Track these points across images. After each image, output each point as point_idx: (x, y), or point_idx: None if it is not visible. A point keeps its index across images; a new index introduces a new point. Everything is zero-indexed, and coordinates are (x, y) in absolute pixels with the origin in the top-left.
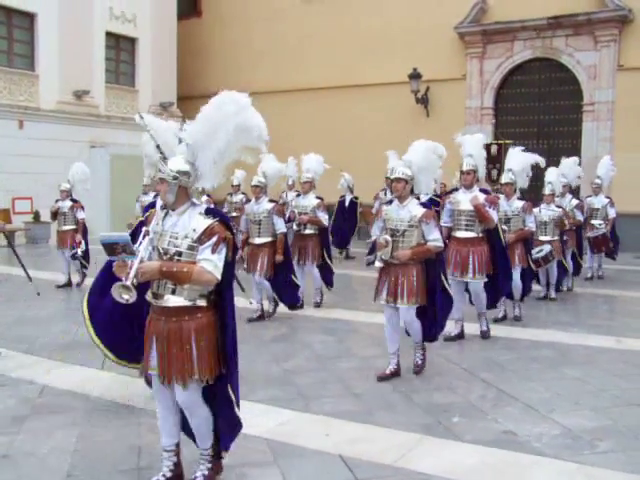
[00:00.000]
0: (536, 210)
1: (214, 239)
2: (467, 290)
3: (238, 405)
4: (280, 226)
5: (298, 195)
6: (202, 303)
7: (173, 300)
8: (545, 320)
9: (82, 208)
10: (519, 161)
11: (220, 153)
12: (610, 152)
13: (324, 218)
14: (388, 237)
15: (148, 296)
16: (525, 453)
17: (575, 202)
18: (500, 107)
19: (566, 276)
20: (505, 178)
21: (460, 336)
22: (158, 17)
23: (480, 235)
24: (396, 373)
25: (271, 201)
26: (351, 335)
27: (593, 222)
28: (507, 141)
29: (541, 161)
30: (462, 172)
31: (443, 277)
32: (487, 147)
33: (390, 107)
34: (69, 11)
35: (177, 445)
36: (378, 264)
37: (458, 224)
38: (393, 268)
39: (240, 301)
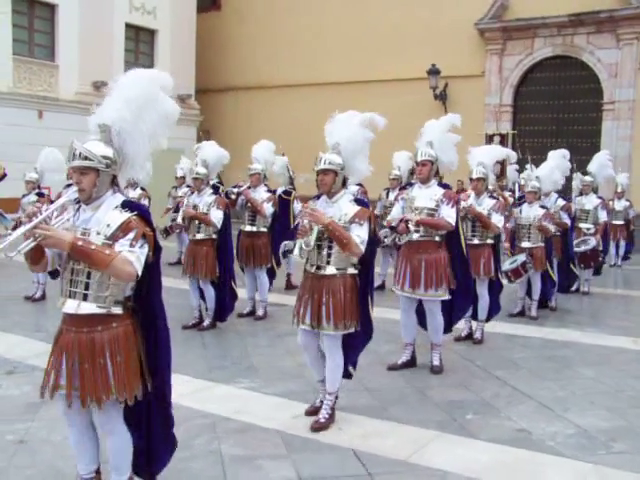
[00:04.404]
0: (517, 211)
1: (131, 234)
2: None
3: (173, 423)
4: (216, 217)
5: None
6: (117, 311)
7: (84, 307)
8: (561, 319)
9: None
10: (489, 154)
11: (146, 137)
12: (630, 151)
13: (269, 212)
14: (412, 226)
15: (58, 304)
16: (539, 452)
17: (561, 202)
18: (519, 105)
19: (553, 290)
20: (476, 173)
21: (410, 364)
22: (178, 9)
23: (437, 240)
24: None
25: (215, 193)
26: None
27: (582, 226)
28: (511, 131)
29: (512, 155)
30: (417, 163)
31: (369, 296)
32: (489, 138)
33: (408, 103)
34: (90, 2)
35: (97, 472)
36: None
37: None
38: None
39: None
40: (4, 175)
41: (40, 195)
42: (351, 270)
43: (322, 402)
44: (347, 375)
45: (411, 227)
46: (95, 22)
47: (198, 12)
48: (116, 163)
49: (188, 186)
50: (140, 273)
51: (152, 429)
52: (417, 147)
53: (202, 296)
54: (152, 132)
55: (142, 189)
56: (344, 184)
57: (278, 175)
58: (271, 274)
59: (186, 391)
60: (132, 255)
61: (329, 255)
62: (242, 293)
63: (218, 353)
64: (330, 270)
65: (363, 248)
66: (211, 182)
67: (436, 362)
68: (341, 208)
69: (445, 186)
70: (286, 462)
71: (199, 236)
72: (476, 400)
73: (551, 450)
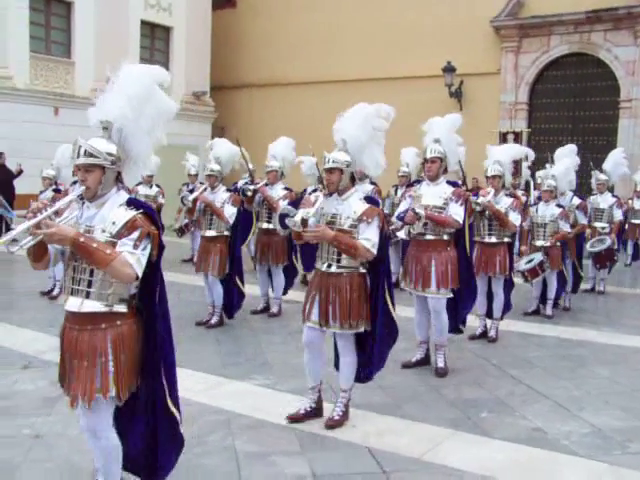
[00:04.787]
0: (532, 209)
1: (136, 233)
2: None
3: (181, 422)
4: (229, 212)
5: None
6: (122, 309)
7: (87, 305)
8: (576, 319)
9: None
10: (507, 153)
11: (146, 133)
12: None
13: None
14: (422, 212)
15: (61, 301)
16: (554, 451)
17: (577, 201)
18: (534, 102)
19: (564, 290)
20: (492, 170)
21: (424, 362)
22: (193, 6)
23: (445, 238)
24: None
25: (229, 190)
26: None
27: (597, 225)
28: (525, 129)
29: (530, 154)
30: (426, 160)
31: (388, 296)
32: (503, 136)
33: (423, 100)
34: None
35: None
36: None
37: (417, 225)
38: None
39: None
40: (20, 172)
41: (57, 191)
42: (360, 269)
43: (306, 410)
44: (362, 379)
45: (420, 212)
46: (111, 19)
47: (213, 9)
48: (120, 160)
49: (201, 183)
50: (140, 275)
51: (157, 430)
52: (425, 144)
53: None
54: (151, 128)
55: (158, 186)
56: (353, 181)
57: (307, 175)
58: (293, 272)
59: (200, 387)
60: (132, 257)
61: (339, 253)
62: (255, 290)
63: (232, 350)
64: (338, 268)
65: (375, 251)
66: (241, 182)
67: (440, 364)
68: (351, 205)
69: (454, 184)
70: (300, 459)
71: (211, 233)
72: (491, 399)
73: (566, 449)
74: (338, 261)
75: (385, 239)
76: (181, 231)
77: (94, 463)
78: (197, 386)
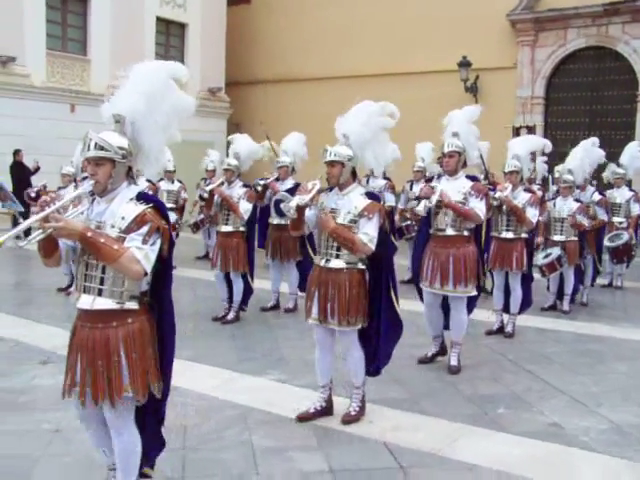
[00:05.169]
0: (550, 204)
1: (145, 228)
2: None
3: (163, 421)
4: (244, 208)
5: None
6: (133, 306)
7: (99, 302)
8: (593, 314)
9: None
10: (525, 145)
11: (160, 128)
12: None
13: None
14: (438, 185)
15: (73, 299)
16: (571, 447)
17: (597, 197)
18: (551, 97)
19: (582, 285)
20: (509, 166)
21: (442, 353)
22: (208, 3)
23: (466, 234)
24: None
25: (245, 186)
26: None
27: (614, 219)
28: (539, 123)
29: (548, 145)
30: (443, 155)
31: (392, 292)
32: (516, 131)
33: (438, 95)
34: None
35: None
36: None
37: (439, 220)
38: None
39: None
40: (37, 168)
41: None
42: (360, 265)
43: (316, 409)
44: (372, 373)
45: (436, 185)
46: (126, 16)
47: (228, 5)
48: (132, 154)
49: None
50: (149, 271)
51: (144, 428)
52: (443, 138)
53: (229, 287)
54: (166, 124)
55: (179, 182)
56: (354, 176)
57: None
58: (308, 267)
59: (216, 382)
60: (140, 253)
61: (338, 248)
62: (267, 285)
63: (248, 345)
64: (337, 264)
65: (372, 246)
66: (260, 183)
67: (454, 362)
68: (351, 200)
69: (474, 178)
70: (317, 454)
71: (227, 228)
72: (507, 394)
73: (584, 445)
74: (337, 256)
75: (386, 235)
76: (196, 226)
77: (106, 461)
78: (213, 381)
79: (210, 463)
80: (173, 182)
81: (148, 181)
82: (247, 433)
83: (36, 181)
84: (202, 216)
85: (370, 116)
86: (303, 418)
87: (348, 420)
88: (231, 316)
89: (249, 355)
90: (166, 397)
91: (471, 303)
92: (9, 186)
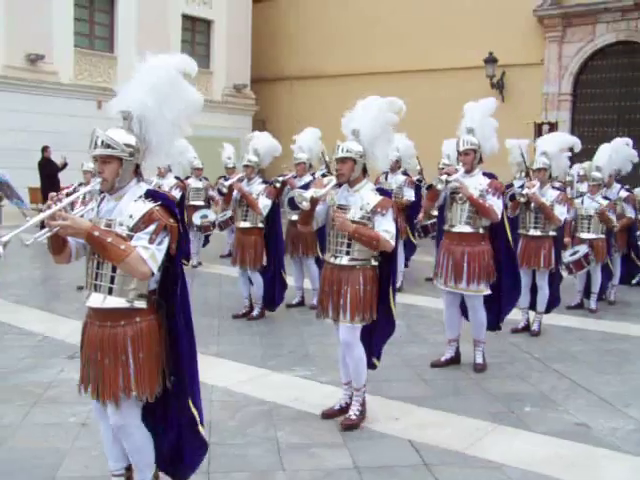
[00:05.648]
0: (578, 202)
1: (153, 226)
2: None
3: (202, 423)
4: (263, 203)
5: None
6: (141, 305)
7: (110, 301)
8: (620, 312)
9: None
10: (554, 143)
11: (170, 124)
12: None
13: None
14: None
15: (83, 297)
16: (598, 447)
17: (624, 194)
18: (579, 93)
19: (610, 283)
20: (538, 163)
21: (455, 360)
22: (234, 0)
23: (481, 232)
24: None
25: (264, 182)
26: (421, 320)
27: None
28: (561, 120)
29: (577, 144)
30: (459, 152)
31: (390, 288)
32: (539, 127)
33: (464, 92)
34: None
35: (128, 469)
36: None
37: (453, 215)
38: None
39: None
40: (65, 164)
41: None
42: (372, 262)
43: (341, 406)
44: (371, 366)
45: (459, 167)
46: (152, 13)
47: (253, 2)
48: (139, 151)
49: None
50: (155, 271)
51: (180, 430)
52: (458, 135)
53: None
54: (176, 118)
55: (206, 179)
56: (365, 172)
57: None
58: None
59: (242, 378)
60: (146, 252)
61: (349, 245)
62: (291, 281)
63: (273, 341)
64: (350, 261)
65: (394, 242)
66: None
67: (479, 360)
68: (363, 197)
69: (491, 176)
70: (342, 450)
71: (245, 224)
72: (534, 393)
73: (611, 445)
74: (347, 253)
75: (397, 231)
76: (220, 227)
77: (108, 465)
78: (239, 377)
79: (236, 459)
80: (200, 179)
81: (176, 178)
82: (272, 429)
83: (64, 177)
84: (231, 214)
85: (380, 111)
86: (328, 415)
87: (348, 425)
88: (255, 312)
89: (275, 351)
90: (190, 396)
91: (511, 304)
92: (14, 182)
